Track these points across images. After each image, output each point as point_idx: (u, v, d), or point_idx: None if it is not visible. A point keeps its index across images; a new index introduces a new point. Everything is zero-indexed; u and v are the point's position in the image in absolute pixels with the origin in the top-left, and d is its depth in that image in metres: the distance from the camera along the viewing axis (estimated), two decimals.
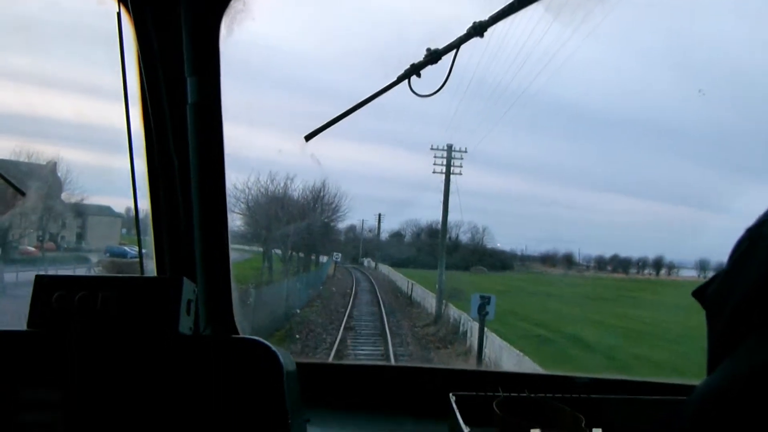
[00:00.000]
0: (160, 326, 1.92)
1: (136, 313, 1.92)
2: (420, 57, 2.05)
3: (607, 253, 60.31)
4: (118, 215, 32.60)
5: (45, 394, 1.87)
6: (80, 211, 29.67)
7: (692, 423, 0.92)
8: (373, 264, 57.11)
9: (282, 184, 33.34)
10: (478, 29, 1.98)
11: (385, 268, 52.47)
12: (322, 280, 40.37)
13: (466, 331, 23.83)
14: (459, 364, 20.01)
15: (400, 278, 43.64)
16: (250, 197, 31.45)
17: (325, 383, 2.74)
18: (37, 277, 1.97)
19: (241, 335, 2.45)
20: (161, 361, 1.92)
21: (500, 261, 56.09)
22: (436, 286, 30.55)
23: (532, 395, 2.44)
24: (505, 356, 19.32)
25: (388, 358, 20.41)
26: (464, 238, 54.54)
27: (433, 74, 2.06)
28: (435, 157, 33.39)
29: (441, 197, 32.98)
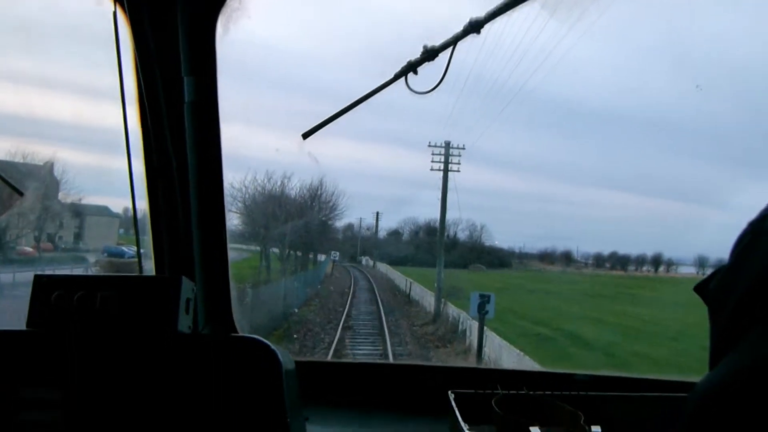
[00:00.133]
0: (159, 325, 1.92)
1: (135, 312, 1.92)
2: (417, 54, 2.05)
3: (606, 250, 60.39)
4: (115, 215, 32.55)
5: (45, 393, 1.87)
6: (78, 211, 29.61)
7: (695, 417, 0.92)
8: (371, 262, 57.10)
9: (279, 183, 33.31)
10: (474, 26, 1.98)
11: (383, 267, 52.47)
12: (320, 279, 40.35)
13: (465, 329, 23.76)
14: (458, 362, 19.99)
15: (398, 277, 43.64)
16: (247, 196, 31.42)
17: (324, 381, 2.74)
18: (36, 276, 1.97)
19: (240, 334, 2.45)
20: (160, 359, 1.92)
21: (498, 259, 56.12)
22: (435, 284, 30.52)
23: (531, 393, 2.44)
24: (505, 355, 19.25)
25: (386, 358, 20.36)
26: (462, 235, 54.58)
27: (430, 71, 2.06)
28: (433, 154, 33.40)
29: (439, 195, 33.00)
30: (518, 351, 18.99)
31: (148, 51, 2.21)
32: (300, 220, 34.84)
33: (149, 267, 2.46)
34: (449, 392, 2.39)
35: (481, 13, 1.96)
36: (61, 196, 26.62)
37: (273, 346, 1.98)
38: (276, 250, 34.51)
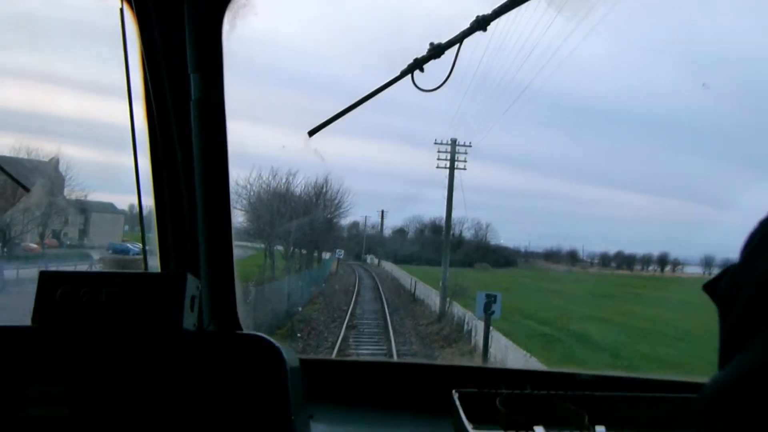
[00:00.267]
0: (164, 322, 1.92)
1: (140, 309, 1.92)
2: (423, 51, 2.04)
3: (612, 250, 60.33)
4: (120, 212, 32.68)
5: (50, 389, 1.88)
6: (83, 207, 29.73)
7: (705, 417, 0.91)
8: (376, 261, 57.18)
9: (284, 180, 33.35)
10: (481, 23, 1.97)
11: (388, 265, 52.52)
12: (325, 277, 40.38)
13: (471, 329, 23.65)
14: (462, 361, 19.92)
15: (403, 275, 43.65)
16: (252, 193, 31.47)
17: (328, 379, 2.74)
18: (41, 272, 1.97)
19: (245, 332, 2.45)
20: (165, 356, 1.92)
21: (504, 257, 56.14)
22: (440, 283, 30.47)
23: (535, 392, 2.43)
24: (511, 356, 19.02)
25: (391, 358, 20.31)
26: (468, 234, 54.65)
27: (436, 69, 2.05)
28: (439, 152, 33.40)
29: (444, 193, 33.01)
30: (525, 352, 18.81)
31: (154, 47, 2.21)
32: (305, 217, 34.88)
33: (154, 264, 2.47)
34: (453, 391, 2.38)
35: (487, 10, 1.95)
36: (66, 192, 26.71)
37: (277, 344, 1.98)
38: (280, 247, 34.55)
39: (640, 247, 59.17)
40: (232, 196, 2.42)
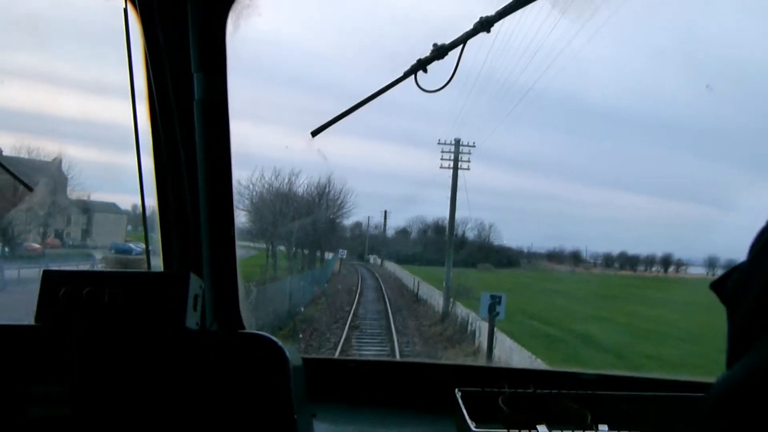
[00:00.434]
0: (167, 321, 1.92)
1: (143, 309, 1.92)
2: (427, 52, 2.04)
3: (615, 251, 60.19)
4: (123, 212, 32.69)
5: (53, 389, 1.88)
6: (85, 207, 29.75)
7: (712, 417, 0.91)
8: (378, 261, 57.14)
9: (287, 180, 33.33)
10: (485, 24, 1.97)
11: (391, 265, 52.48)
12: (327, 277, 40.33)
13: (475, 330, 23.48)
14: (465, 360, 19.84)
15: (406, 275, 43.61)
16: (254, 193, 31.47)
17: (331, 379, 2.74)
18: (45, 272, 1.98)
19: (248, 331, 2.46)
20: (168, 356, 1.92)
21: (507, 258, 56.05)
22: (443, 283, 30.40)
23: (538, 391, 2.44)
24: (516, 358, 18.87)
25: (394, 358, 20.27)
26: (471, 234, 54.57)
27: (439, 70, 2.05)
28: (443, 152, 33.33)
29: (448, 193, 32.93)
30: (530, 354, 18.68)
31: (158, 47, 2.21)
32: (307, 217, 34.85)
33: (157, 263, 2.47)
34: (456, 390, 2.38)
35: (491, 12, 1.95)
36: (69, 192, 26.74)
37: (280, 343, 1.98)
38: (283, 248, 34.53)
39: (644, 248, 59.09)
40: (235, 196, 2.42)
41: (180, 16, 2.17)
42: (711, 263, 45.34)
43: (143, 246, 2.55)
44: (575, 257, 59.21)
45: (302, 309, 27.56)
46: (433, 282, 33.81)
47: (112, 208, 32.57)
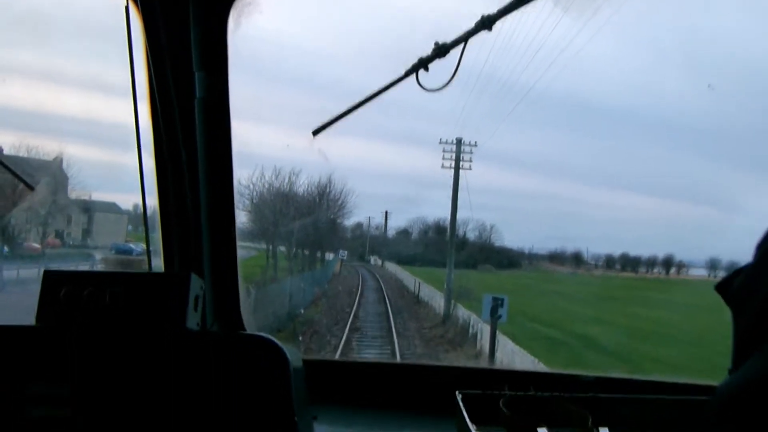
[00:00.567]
0: (167, 322, 1.92)
1: (143, 309, 1.92)
2: (428, 51, 2.03)
3: (616, 252, 60.10)
4: (124, 212, 32.68)
5: (53, 389, 1.87)
6: (86, 207, 29.74)
7: (719, 419, 0.90)
8: (379, 262, 57.10)
9: (287, 180, 33.28)
10: (486, 23, 1.96)
11: (391, 266, 52.45)
12: (328, 278, 40.28)
13: (476, 332, 23.31)
14: (465, 362, 19.74)
15: (407, 276, 43.58)
16: (254, 193, 31.44)
17: (332, 380, 2.74)
18: (46, 272, 1.97)
19: (248, 332, 2.45)
20: (168, 356, 1.92)
21: (507, 259, 55.96)
22: (444, 284, 30.31)
23: (539, 393, 2.43)
24: (518, 361, 18.66)
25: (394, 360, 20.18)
26: (471, 235, 54.51)
27: (441, 68, 2.04)
28: (444, 151, 33.22)
29: (449, 193, 32.80)
30: (533, 358, 18.49)
31: (159, 46, 2.20)
32: (308, 218, 34.82)
33: (158, 264, 2.46)
34: (457, 392, 2.37)
35: (493, 10, 1.95)
36: (69, 191, 26.73)
37: (281, 344, 1.97)
38: (283, 248, 34.49)
39: (645, 249, 58.97)
40: (235, 196, 2.42)
41: (181, 14, 2.17)
42: (713, 265, 45.26)
43: (144, 246, 2.54)
44: (577, 258, 59.16)
45: (302, 310, 27.48)
46: (434, 283, 33.76)
47: (112, 208, 32.57)
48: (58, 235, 28.63)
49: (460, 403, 2.29)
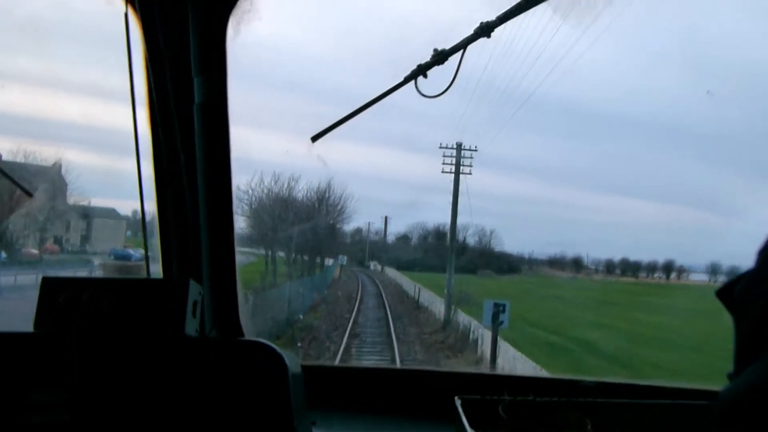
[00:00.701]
0: (166, 328, 1.91)
1: (142, 315, 1.92)
2: (427, 57, 2.04)
3: (616, 257, 60.12)
4: (123, 217, 32.69)
5: (52, 396, 1.87)
6: (85, 213, 29.75)
7: (720, 425, 0.89)
8: (379, 267, 57.11)
9: (286, 186, 33.29)
10: (485, 29, 1.97)
11: (391, 272, 52.45)
12: (327, 284, 40.24)
13: (477, 338, 23.17)
14: (465, 368, 19.63)
15: (406, 282, 43.54)
16: (254, 199, 31.44)
17: (330, 386, 2.73)
18: (44, 278, 1.97)
19: (247, 338, 2.45)
20: (167, 362, 1.92)
21: (508, 264, 56.03)
22: (444, 290, 30.24)
23: (538, 399, 2.42)
24: (520, 368, 18.47)
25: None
26: (471, 240, 54.55)
27: (440, 75, 2.05)
28: (444, 156, 33.25)
29: (449, 199, 32.81)
30: (534, 364, 18.36)
31: (158, 51, 2.20)
32: (307, 223, 34.80)
33: (156, 270, 2.46)
34: (456, 398, 2.37)
35: (492, 17, 1.95)
36: (68, 197, 26.71)
37: (279, 350, 1.97)
38: (282, 254, 34.45)
39: (645, 254, 59.04)
40: (234, 202, 2.42)
41: (181, 20, 2.17)
42: (713, 270, 45.23)
43: (142, 252, 2.54)
44: (576, 263, 59.20)
45: (301, 316, 27.43)
46: (434, 288, 33.72)
47: (111, 214, 32.57)
48: (57, 241, 28.62)
49: (459, 409, 2.29)
